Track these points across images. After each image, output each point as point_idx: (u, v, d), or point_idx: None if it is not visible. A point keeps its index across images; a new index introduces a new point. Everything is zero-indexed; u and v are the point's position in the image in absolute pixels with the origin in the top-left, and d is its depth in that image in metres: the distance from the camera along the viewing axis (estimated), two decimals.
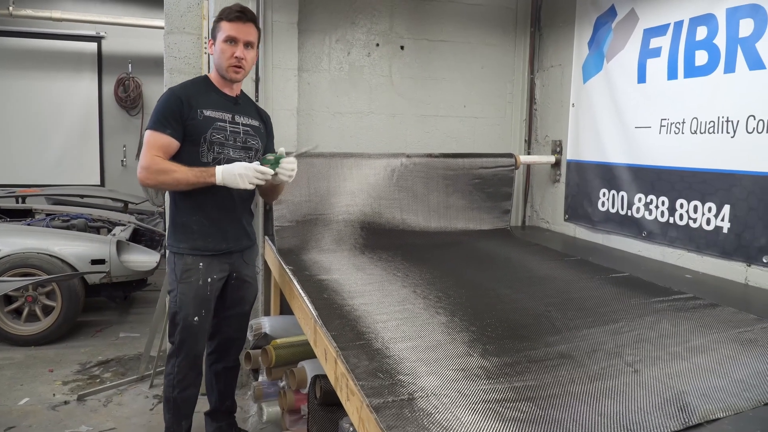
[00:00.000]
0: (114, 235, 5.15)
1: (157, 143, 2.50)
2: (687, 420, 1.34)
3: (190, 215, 2.63)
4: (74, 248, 4.74)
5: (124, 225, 5.60)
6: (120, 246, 4.87)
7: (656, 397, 1.46)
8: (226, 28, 2.56)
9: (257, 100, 3.55)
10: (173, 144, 2.53)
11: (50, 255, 4.62)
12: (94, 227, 5.56)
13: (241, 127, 2.69)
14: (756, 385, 1.53)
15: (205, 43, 3.46)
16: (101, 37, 8.34)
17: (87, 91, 8.39)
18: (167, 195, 2.73)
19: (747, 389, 1.50)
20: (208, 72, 3.23)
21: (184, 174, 2.48)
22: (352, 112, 3.95)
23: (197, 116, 2.55)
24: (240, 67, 2.59)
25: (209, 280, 2.64)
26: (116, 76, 8.45)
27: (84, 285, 4.77)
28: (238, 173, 2.46)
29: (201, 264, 2.62)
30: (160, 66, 3.62)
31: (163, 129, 2.50)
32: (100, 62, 8.43)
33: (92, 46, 8.36)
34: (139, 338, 4.78)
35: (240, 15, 2.57)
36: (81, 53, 8.32)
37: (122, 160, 8.50)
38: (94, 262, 4.74)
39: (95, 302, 5.46)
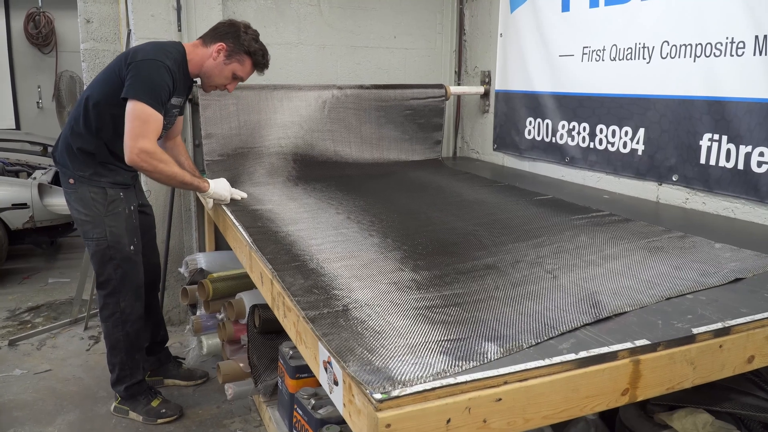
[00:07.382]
0: (35, 178, 4.92)
1: (158, 126, 2.42)
2: (598, 314, 1.46)
3: (109, 156, 2.59)
4: None
5: (45, 168, 5.35)
6: (42, 189, 4.67)
7: (572, 297, 1.58)
8: (245, 70, 2.65)
9: (179, 30, 3.41)
10: None
11: None
12: (12, 171, 5.29)
13: (179, 108, 2.74)
14: (659, 283, 1.68)
15: None
16: None
17: None
18: (82, 122, 2.56)
19: (651, 287, 1.65)
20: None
21: (181, 172, 2.51)
22: (280, 43, 3.85)
23: (168, 103, 2.54)
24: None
25: (132, 208, 2.71)
26: (25, 10, 7.84)
27: (7, 231, 4.58)
28: (227, 188, 2.67)
29: (122, 194, 2.65)
30: None
31: (159, 108, 2.42)
32: None
33: None
34: (70, 283, 4.66)
35: (265, 69, 2.72)
36: None
37: (38, 102, 8.01)
38: (16, 206, 4.54)
39: (21, 249, 5.26)
